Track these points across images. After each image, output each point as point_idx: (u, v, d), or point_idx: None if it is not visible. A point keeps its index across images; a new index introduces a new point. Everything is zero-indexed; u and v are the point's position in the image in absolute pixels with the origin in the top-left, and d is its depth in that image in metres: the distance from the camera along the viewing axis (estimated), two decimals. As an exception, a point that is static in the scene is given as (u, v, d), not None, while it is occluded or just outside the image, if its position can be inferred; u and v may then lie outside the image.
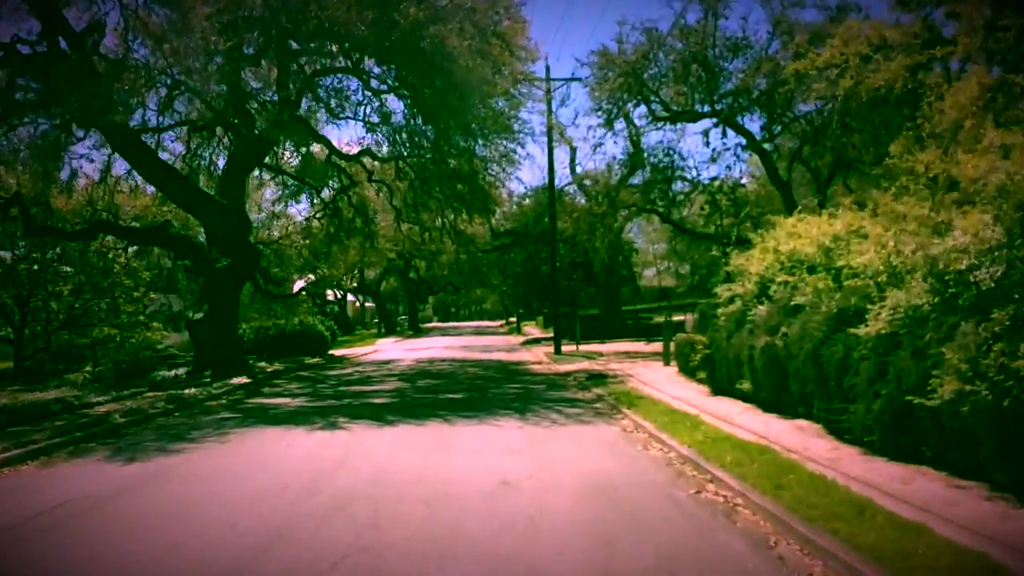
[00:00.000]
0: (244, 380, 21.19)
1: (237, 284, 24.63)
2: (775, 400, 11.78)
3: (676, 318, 49.02)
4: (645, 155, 27.39)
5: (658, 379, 17.99)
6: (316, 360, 32.50)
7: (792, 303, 11.66)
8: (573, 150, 41.69)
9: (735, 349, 13.35)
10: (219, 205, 24.29)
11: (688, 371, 17.74)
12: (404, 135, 25.70)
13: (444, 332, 70.92)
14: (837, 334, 9.58)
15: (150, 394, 18.74)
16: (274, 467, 9.30)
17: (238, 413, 14.97)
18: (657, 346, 33.13)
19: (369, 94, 25.24)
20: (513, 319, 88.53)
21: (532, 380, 20.59)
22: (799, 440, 9.56)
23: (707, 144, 26.82)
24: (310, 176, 31.50)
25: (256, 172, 32.35)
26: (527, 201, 46.53)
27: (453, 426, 12.19)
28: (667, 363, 21.36)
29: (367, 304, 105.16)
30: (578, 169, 34.40)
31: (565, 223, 30.84)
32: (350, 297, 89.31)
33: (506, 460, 9.32)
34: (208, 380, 21.79)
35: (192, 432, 12.52)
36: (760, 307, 13.02)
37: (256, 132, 26.15)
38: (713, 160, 26.45)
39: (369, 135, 27.87)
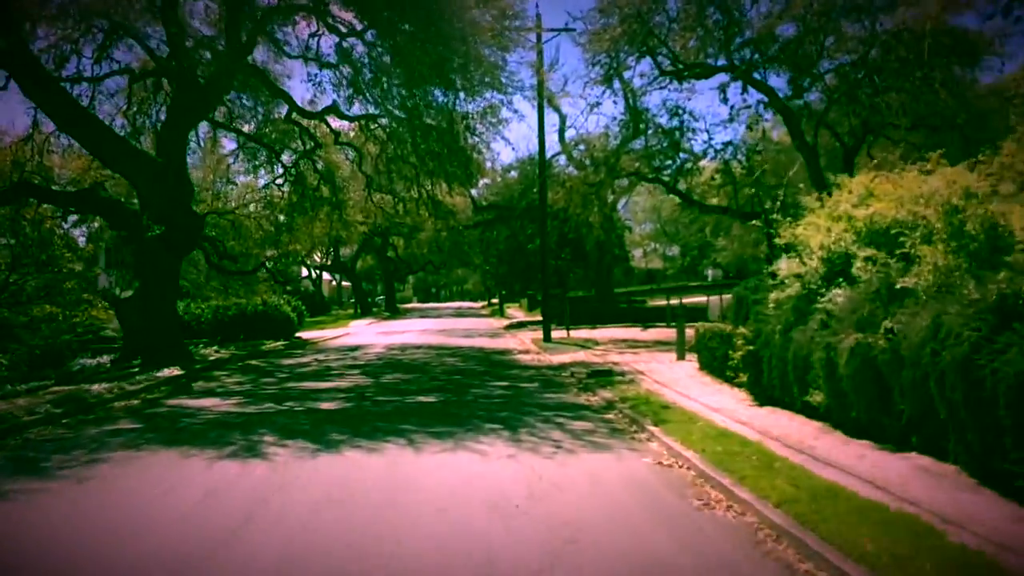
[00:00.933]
0: (176, 372, 17.67)
1: (175, 257, 21.02)
2: (868, 422, 8.47)
3: (671, 301, 45.86)
4: (650, 115, 23.92)
5: (677, 379, 14.65)
6: (277, 345, 28.99)
7: (897, 286, 8.33)
8: (563, 118, 38.27)
9: (797, 347, 10.01)
10: (153, 164, 20.62)
11: (714, 369, 14.43)
12: (369, 77, 22.06)
13: (423, 313, 67.40)
14: (1004, 333, 6.25)
15: (54, 389, 15.22)
16: (120, 546, 5.83)
17: (141, 422, 11.47)
18: (656, 333, 29.94)
19: (328, 33, 21.53)
20: (496, 301, 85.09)
21: (521, 375, 17.21)
22: (948, 499, 6.23)
23: (724, 100, 22.23)
24: (270, 139, 27.81)
25: (210, 132, 28.68)
26: (512, 174, 43.07)
27: (419, 453, 8.79)
28: (681, 357, 18.03)
29: (344, 283, 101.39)
30: (569, 137, 30.98)
31: (556, 195, 27.40)
32: (325, 276, 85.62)
33: (495, 528, 5.95)
34: (135, 371, 18.28)
35: (56, 456, 9.04)
36: (836, 291, 9.69)
37: (201, 81, 22.54)
38: (732, 119, 23.08)
39: (335, 92, 24.23)
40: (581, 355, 21.18)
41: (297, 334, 37.15)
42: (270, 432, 10.03)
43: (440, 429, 10.13)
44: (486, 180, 40.08)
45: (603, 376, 15.46)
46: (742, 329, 12.08)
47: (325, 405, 12.52)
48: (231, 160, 28.71)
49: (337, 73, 23.40)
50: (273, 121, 27.62)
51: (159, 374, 17.21)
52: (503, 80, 22.12)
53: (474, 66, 20.39)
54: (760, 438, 8.78)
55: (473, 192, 40.63)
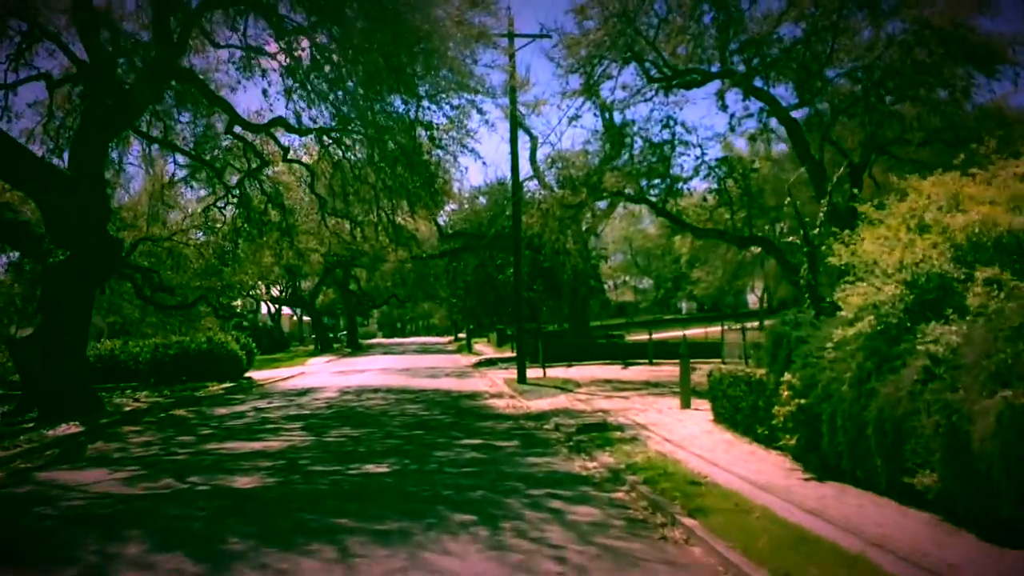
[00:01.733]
0: (74, 429, 14.46)
1: (86, 288, 17.83)
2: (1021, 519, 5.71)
3: (651, 336, 43.31)
4: (636, 128, 21.35)
5: (692, 436, 11.83)
6: (219, 388, 25.76)
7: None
8: (534, 140, 35.92)
9: (884, 405, 7.24)
10: (61, 178, 17.55)
11: (737, 424, 11.65)
12: (320, 84, 19.27)
13: (387, 350, 64.10)
14: None
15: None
16: None
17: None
18: (641, 372, 27.20)
19: (272, 30, 18.70)
20: (462, 336, 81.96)
21: (496, 429, 14.26)
22: None
23: (723, 108, 19.67)
24: (212, 156, 24.79)
25: (145, 148, 25.58)
26: (481, 200, 40.37)
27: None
28: (686, 404, 15.22)
29: (305, 318, 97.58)
30: (543, 156, 28.40)
31: (531, 218, 24.67)
32: (285, 310, 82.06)
33: None
34: (28, 426, 15.05)
35: None
36: (941, 327, 6.97)
37: (126, 86, 19.62)
38: (732, 129, 20.66)
39: (284, 101, 21.33)
40: (563, 400, 18.34)
41: (247, 374, 34.06)
42: (141, 537, 6.95)
43: (389, 526, 7.15)
44: (453, 206, 37.37)
45: (597, 431, 12.59)
46: (788, 376, 9.29)
47: (241, 481, 9.46)
48: (168, 181, 25.47)
49: (285, 78, 20.55)
50: (214, 137, 24.61)
51: (52, 432, 14.00)
52: (471, 83, 19.46)
53: (438, 62, 17.69)
54: (862, 548, 5.94)
55: (439, 219, 37.86)
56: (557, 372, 27.34)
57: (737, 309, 60.62)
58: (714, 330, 45.73)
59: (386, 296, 73.59)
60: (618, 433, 12.30)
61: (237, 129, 23.28)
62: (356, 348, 64.82)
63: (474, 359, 43.03)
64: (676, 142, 20.84)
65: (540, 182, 33.61)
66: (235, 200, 24.95)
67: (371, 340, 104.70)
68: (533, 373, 25.07)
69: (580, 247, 34.74)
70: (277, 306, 76.28)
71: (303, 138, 24.43)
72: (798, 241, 11.56)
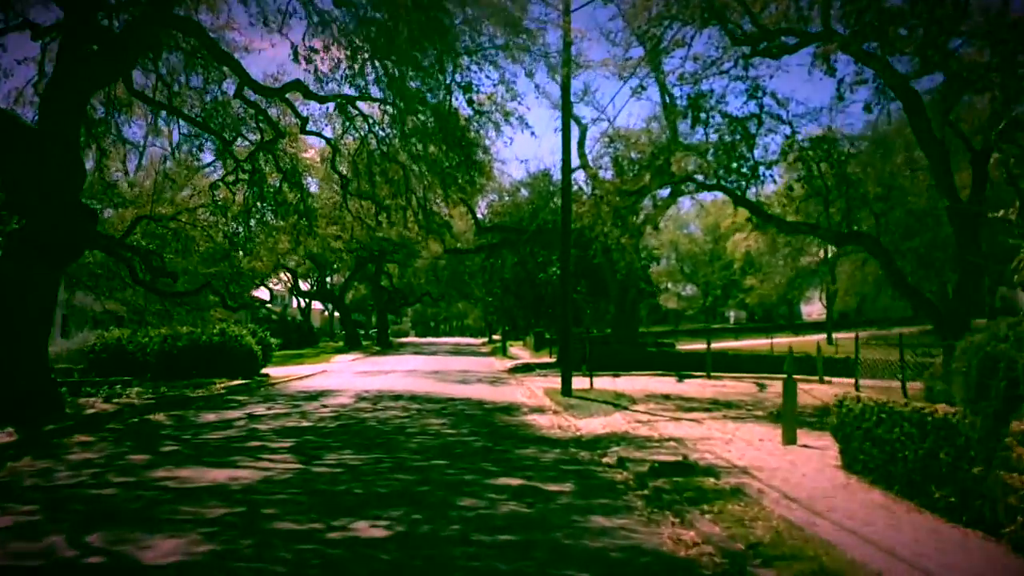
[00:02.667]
0: (7, 438, 11.44)
1: (49, 266, 14.86)
2: None
3: (687, 346, 39.65)
4: (711, 100, 17.88)
5: (825, 493, 8.37)
6: (221, 387, 22.80)
7: None
8: (583, 128, 32.75)
9: None
10: (23, 133, 14.65)
11: (890, 479, 8.19)
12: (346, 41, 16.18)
13: (417, 349, 61.11)
14: None
15: None
16: None
17: None
18: (702, 387, 23.69)
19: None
20: (497, 338, 78.72)
21: (541, 461, 10.91)
22: None
23: (830, 72, 15.84)
24: (218, 124, 21.82)
25: (148, 117, 22.72)
26: (522, 192, 37.09)
27: None
28: (791, 439, 11.71)
29: (337, 314, 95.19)
30: (590, 146, 25.07)
31: (583, 207, 21.34)
32: (317, 305, 79.63)
33: None
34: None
35: None
36: None
37: (115, 31, 16.72)
38: (840, 98, 17.07)
39: (301, 67, 18.24)
40: (619, 420, 15.02)
41: (264, 370, 31.28)
42: None
43: None
44: (491, 196, 34.22)
45: (679, 473, 9.21)
46: (1020, 425, 5.83)
47: (159, 550, 6.18)
48: (172, 152, 22.57)
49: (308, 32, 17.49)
50: (225, 104, 21.65)
51: (-25, 442, 10.99)
52: (519, 41, 16.22)
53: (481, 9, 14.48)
54: None
55: (476, 211, 34.74)
56: (604, 382, 23.98)
57: (792, 320, 56.63)
58: (780, 341, 41.99)
59: (419, 294, 70.69)
60: (711, 480, 8.92)
61: (250, 95, 20.28)
62: (386, 346, 61.97)
63: (509, 363, 39.78)
64: (764, 115, 17.31)
65: (588, 173, 30.41)
66: (246, 176, 21.94)
67: (403, 339, 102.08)
68: (578, 383, 21.72)
69: (634, 243, 31.29)
70: (307, 300, 73.90)
71: (324, 109, 21.41)
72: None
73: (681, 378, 27.61)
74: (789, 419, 11.59)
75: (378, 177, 21.88)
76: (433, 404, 18.47)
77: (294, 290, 61.18)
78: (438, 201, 22.18)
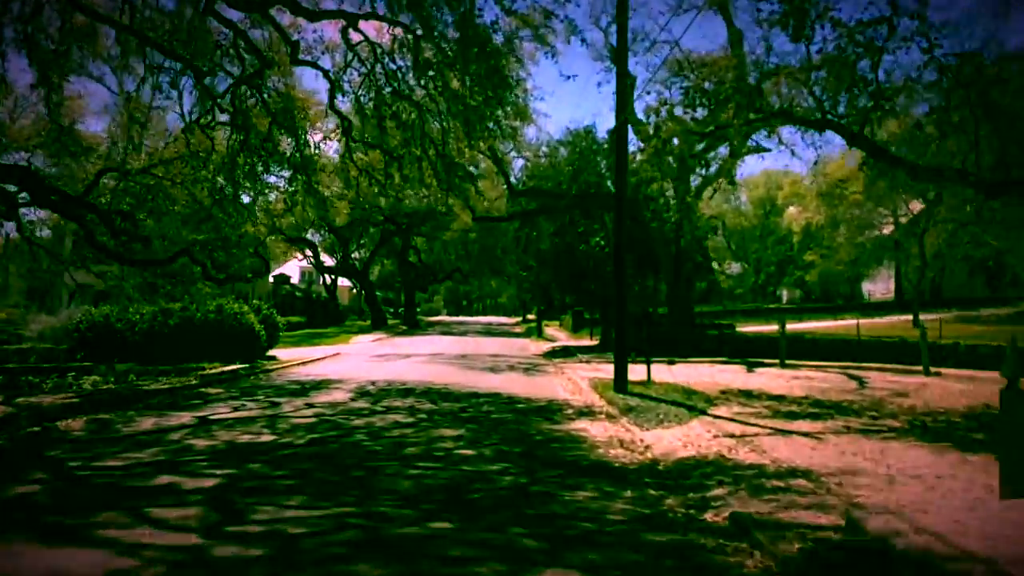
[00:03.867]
0: None
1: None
2: None
3: (747, 328, 35.03)
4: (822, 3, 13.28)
5: None
6: (210, 373, 19.12)
7: None
8: (630, 82, 28.54)
9: None
10: None
11: None
12: None
13: (447, 329, 57.14)
14: None
15: None
16: None
17: None
18: (780, 380, 19.28)
19: None
20: (531, 317, 74.44)
21: (610, 520, 6.68)
22: None
23: None
24: (192, 53, 17.70)
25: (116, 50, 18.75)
26: (561, 152, 32.67)
27: None
28: (1020, 492, 7.31)
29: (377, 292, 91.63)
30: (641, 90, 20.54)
31: (644, 153, 16.93)
32: (345, 282, 76.06)
33: None
34: None
35: None
36: None
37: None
38: None
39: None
40: (701, 432, 10.88)
41: (271, 352, 27.70)
42: None
43: None
44: (524, 157, 29.85)
45: (866, 567, 4.97)
46: None
47: None
48: (137, 88, 18.50)
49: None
50: (200, 28, 17.54)
51: None
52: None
53: None
54: None
55: (511, 175, 30.45)
56: (660, 372, 19.75)
57: (853, 299, 51.63)
58: (847, 323, 37.22)
59: (449, 270, 66.61)
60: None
61: (226, 12, 16.16)
62: (413, 326, 58.10)
63: (546, 346, 35.58)
64: (900, 14, 12.66)
65: (635, 130, 26.14)
66: (229, 118, 17.86)
67: (433, 317, 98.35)
68: (633, 373, 17.44)
69: (696, 204, 26.89)
70: (332, 276, 70.35)
71: (320, 35, 17.17)
72: None
73: (751, 367, 23.22)
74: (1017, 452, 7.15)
75: (388, 121, 17.68)
76: (451, 403, 14.34)
77: (317, 265, 57.40)
78: (462, 148, 17.89)
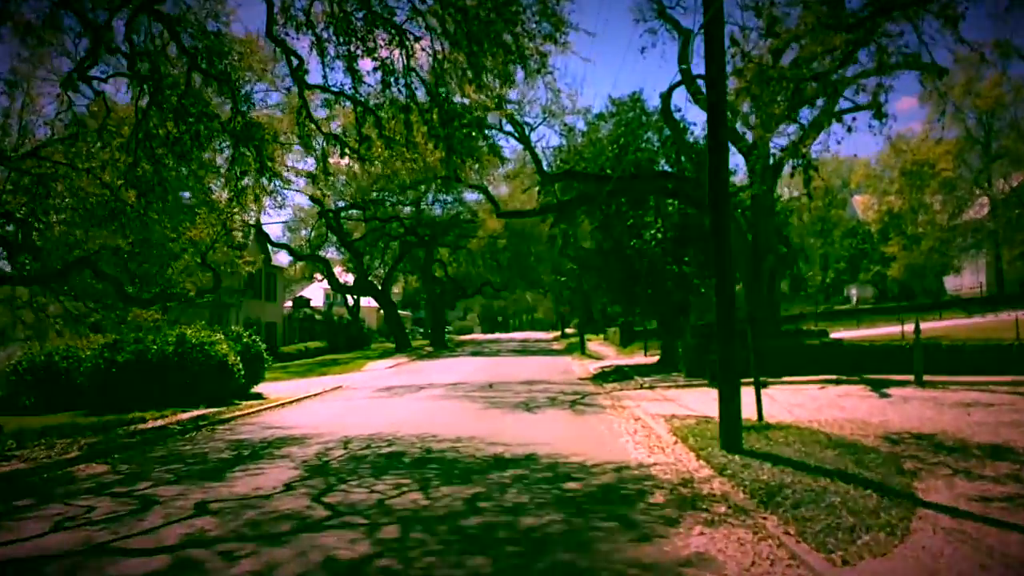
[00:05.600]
0: None
1: None
2: None
3: (845, 334, 28.57)
4: None
5: None
6: (151, 423, 13.76)
7: None
8: (686, 36, 23.12)
9: None
10: None
11: None
12: None
13: (478, 349, 51.23)
14: None
15: None
16: None
17: None
18: (939, 409, 13.03)
19: None
20: (571, 330, 68.32)
21: None
22: None
23: None
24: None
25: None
26: (603, 128, 26.73)
27: None
28: None
29: (402, 312, 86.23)
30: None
31: (742, 81, 10.97)
32: (370, 303, 70.67)
33: None
34: None
35: None
36: None
37: None
38: None
39: None
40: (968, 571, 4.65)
41: (257, 388, 22.64)
42: None
43: None
44: (555, 125, 23.95)
45: None
46: None
47: None
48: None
49: None
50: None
51: None
52: None
53: None
54: None
55: (539, 154, 24.48)
56: (772, 400, 13.64)
57: (940, 297, 44.72)
58: (958, 323, 30.47)
59: (478, 284, 60.83)
60: None
61: None
62: (441, 347, 52.35)
63: (592, 365, 29.54)
64: None
65: (693, 95, 20.62)
66: (127, 65, 12.20)
67: (466, 336, 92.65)
68: (708, 406, 11.36)
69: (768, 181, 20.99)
70: (355, 297, 65.02)
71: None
72: None
73: (877, 388, 16.98)
74: None
75: (358, 54, 11.89)
76: (454, 487, 8.39)
77: (332, 284, 51.99)
78: (466, 91, 12.03)
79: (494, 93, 12.30)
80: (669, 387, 19.55)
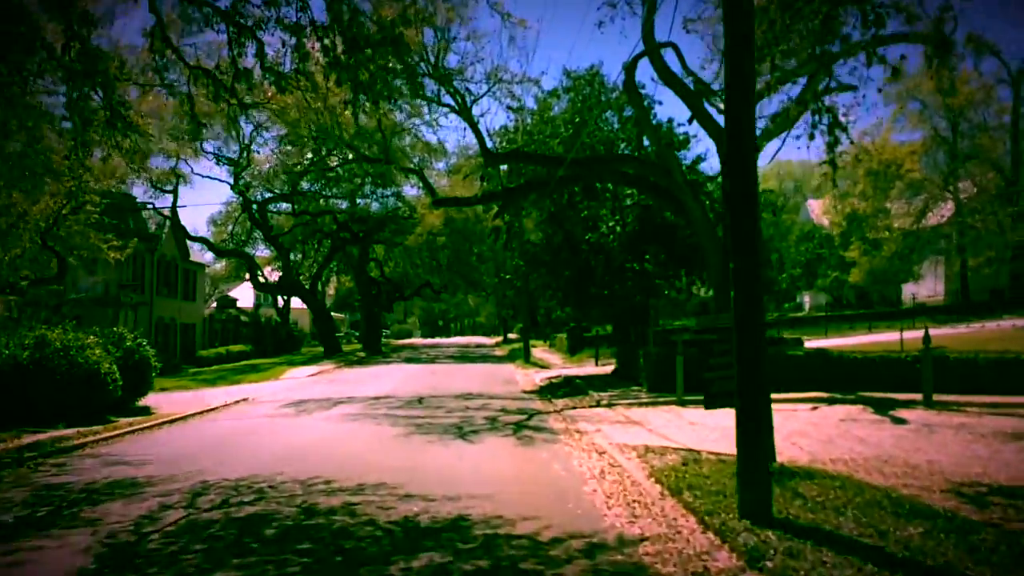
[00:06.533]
0: None
1: None
2: None
3: (818, 343, 25.87)
4: None
5: None
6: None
7: None
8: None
9: None
10: None
11: None
12: None
13: (414, 355, 47.52)
14: None
15: None
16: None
17: None
18: (960, 442, 9.91)
19: None
20: (514, 336, 65.01)
21: None
22: None
23: None
24: None
25: None
26: (557, 108, 23.56)
27: None
28: None
29: (336, 314, 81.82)
30: None
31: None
32: (299, 303, 66.31)
33: None
34: None
35: None
36: None
37: None
38: None
39: None
40: None
41: (145, 400, 19.04)
42: None
43: None
44: (504, 112, 20.82)
45: None
46: None
47: None
48: None
49: None
50: None
51: None
52: None
53: None
54: None
55: (483, 132, 21.15)
56: (730, 418, 10.52)
57: (900, 305, 42.76)
58: (939, 333, 27.75)
59: (417, 285, 57.16)
60: None
61: None
62: (374, 352, 48.51)
63: (537, 375, 26.33)
64: None
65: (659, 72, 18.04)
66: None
67: (404, 340, 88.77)
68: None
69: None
70: (285, 297, 60.79)
71: None
72: None
73: (883, 410, 14.10)
74: None
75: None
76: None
77: (254, 283, 47.82)
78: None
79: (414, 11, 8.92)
80: (631, 405, 16.42)
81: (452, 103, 19.90)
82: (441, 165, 42.30)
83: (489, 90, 20.05)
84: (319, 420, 15.43)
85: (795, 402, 15.34)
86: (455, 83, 18.80)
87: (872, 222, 38.52)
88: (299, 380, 28.57)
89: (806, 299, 54.19)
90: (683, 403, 15.82)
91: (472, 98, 19.92)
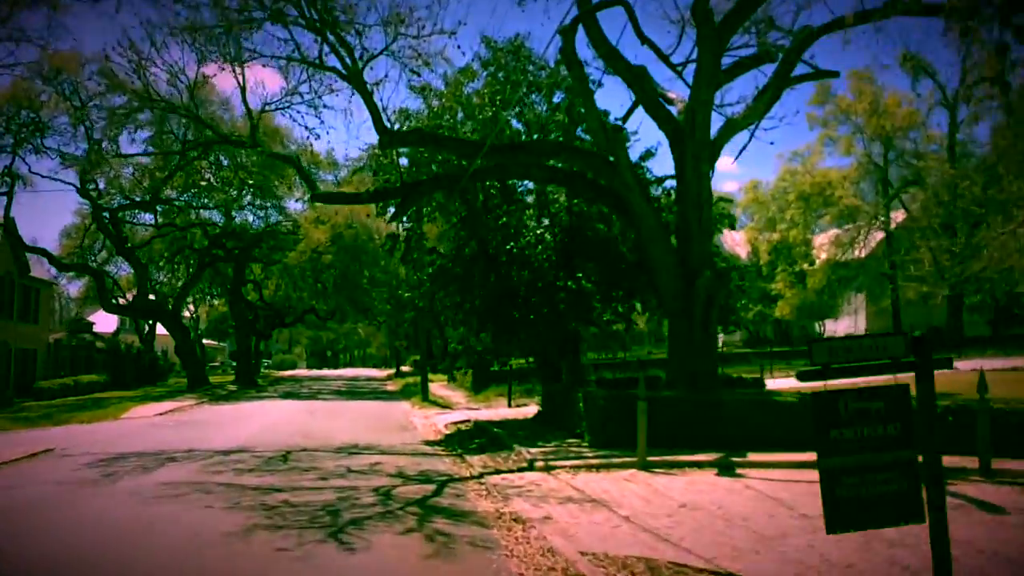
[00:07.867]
0: None
1: None
2: None
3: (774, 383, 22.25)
4: None
5: None
6: None
7: None
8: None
9: None
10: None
11: None
12: None
13: (294, 389, 41.64)
14: None
15: None
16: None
17: None
18: None
19: None
20: (407, 368, 59.68)
21: None
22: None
23: None
24: None
25: None
26: (470, 89, 19.09)
27: None
28: None
29: (210, 342, 74.35)
30: None
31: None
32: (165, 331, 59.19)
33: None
34: None
35: None
36: None
37: None
38: None
39: None
40: None
41: None
42: None
43: None
44: (406, 91, 16.31)
45: None
46: None
47: None
48: None
49: None
50: None
51: None
52: None
53: None
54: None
55: (378, 103, 16.44)
56: (762, 520, 6.24)
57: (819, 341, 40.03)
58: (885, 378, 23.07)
59: (300, 311, 51.33)
60: None
61: None
62: (248, 385, 42.41)
63: (441, 418, 21.44)
64: None
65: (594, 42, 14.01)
66: None
67: (288, 372, 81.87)
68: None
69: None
70: (148, 321, 53.87)
71: None
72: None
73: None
74: None
75: None
76: None
77: (103, 303, 41.06)
78: None
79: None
80: (577, 468, 11.88)
81: (338, 65, 15.17)
82: (328, 175, 37.28)
83: (387, 47, 15.41)
84: (122, 495, 10.24)
85: (795, 467, 11.21)
86: (341, 33, 14.15)
87: (800, 251, 35.86)
88: (142, 421, 22.85)
89: (720, 337, 51.53)
90: (647, 467, 11.47)
91: (367, 55, 15.22)
